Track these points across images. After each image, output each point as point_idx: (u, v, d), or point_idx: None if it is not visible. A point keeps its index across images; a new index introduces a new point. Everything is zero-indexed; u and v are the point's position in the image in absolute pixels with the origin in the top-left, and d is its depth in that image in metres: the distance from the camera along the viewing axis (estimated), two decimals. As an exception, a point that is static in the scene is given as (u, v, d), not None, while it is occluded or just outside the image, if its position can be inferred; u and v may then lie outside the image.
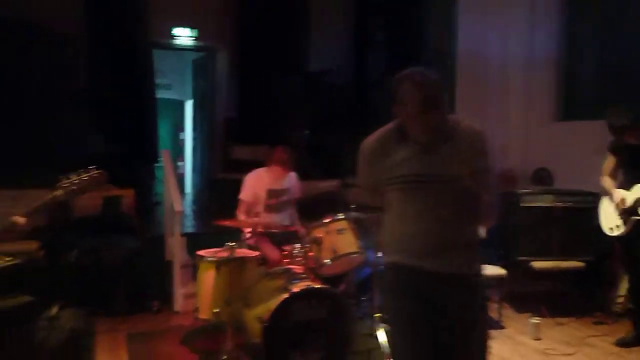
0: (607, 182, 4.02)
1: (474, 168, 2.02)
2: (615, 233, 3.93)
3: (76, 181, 2.15)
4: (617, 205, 3.90)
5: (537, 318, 4.15)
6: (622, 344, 3.91)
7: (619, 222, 3.89)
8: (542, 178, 5.69)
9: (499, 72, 6.29)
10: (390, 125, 2.17)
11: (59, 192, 2.13)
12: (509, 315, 4.50)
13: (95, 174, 2.19)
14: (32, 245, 4.08)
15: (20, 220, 2.08)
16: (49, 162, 4.98)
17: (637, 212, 3.77)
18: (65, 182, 2.14)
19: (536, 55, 6.08)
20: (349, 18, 8.02)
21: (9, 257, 2.89)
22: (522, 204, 4.72)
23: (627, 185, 3.89)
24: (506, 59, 6.22)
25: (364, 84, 7.92)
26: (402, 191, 2.10)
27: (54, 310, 3.17)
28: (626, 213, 3.83)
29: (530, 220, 4.69)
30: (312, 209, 4.44)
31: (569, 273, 4.66)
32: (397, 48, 7.49)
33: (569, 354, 3.80)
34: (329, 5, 7.87)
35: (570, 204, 4.70)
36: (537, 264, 4.62)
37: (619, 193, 3.91)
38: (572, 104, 5.99)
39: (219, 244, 3.60)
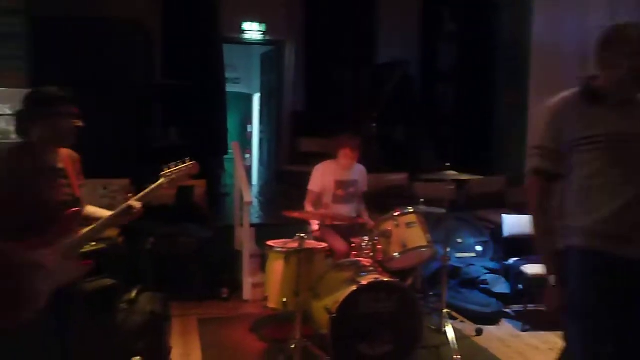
0: None
1: None
2: None
3: (175, 171, 2.32)
4: None
5: None
6: None
7: None
8: None
9: (577, 60, 6.00)
10: (574, 90, 2.03)
11: (163, 181, 2.31)
12: None
13: (190, 164, 2.36)
14: (113, 232, 4.29)
15: (137, 204, 2.24)
16: (127, 154, 5.24)
17: None
18: (167, 172, 2.32)
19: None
20: (419, 8, 7.88)
21: (93, 242, 3.06)
22: None
23: None
24: (585, 45, 5.92)
25: (434, 75, 7.79)
26: (598, 153, 1.93)
27: (134, 293, 3.33)
28: None
29: None
30: (380, 202, 4.43)
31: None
32: (469, 38, 7.31)
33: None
34: (399, -6, 7.78)
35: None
36: None
37: None
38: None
39: (286, 235, 3.65)
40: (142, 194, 2.29)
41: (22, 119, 2.15)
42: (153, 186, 2.30)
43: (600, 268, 1.93)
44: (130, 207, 2.23)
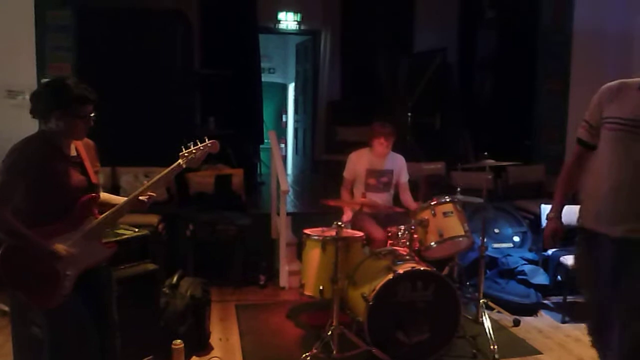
0: None
1: None
2: None
3: (194, 151, 2.35)
4: None
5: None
6: None
7: None
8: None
9: (620, 47, 5.82)
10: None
11: (181, 161, 2.33)
12: None
13: (209, 143, 2.38)
14: (154, 219, 4.41)
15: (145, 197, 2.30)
16: (168, 142, 5.34)
17: None
18: (185, 152, 2.34)
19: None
20: (457, -5, 7.74)
21: (137, 228, 3.16)
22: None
23: None
24: (629, 33, 5.73)
25: (472, 63, 7.65)
26: (615, 133, 2.16)
27: (175, 278, 3.43)
28: None
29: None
30: (416, 191, 4.41)
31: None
32: (508, 24, 7.14)
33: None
34: (436, -19, 7.65)
35: None
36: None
37: None
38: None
39: (321, 223, 3.69)
40: (161, 174, 2.32)
41: (39, 104, 2.16)
42: (171, 167, 2.32)
43: (592, 247, 2.25)
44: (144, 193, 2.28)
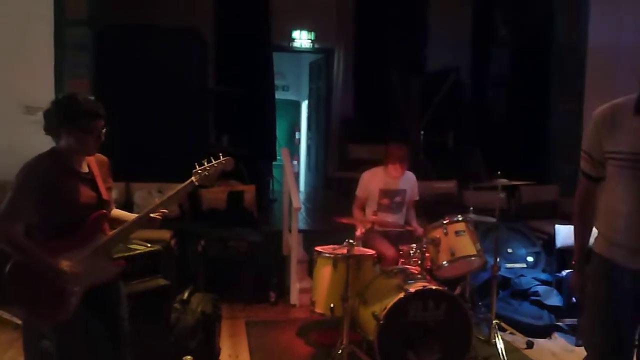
0: None
1: None
2: None
3: (207, 168, 2.33)
4: None
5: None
6: None
7: None
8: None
9: (635, 66, 5.78)
10: (629, 96, 2.05)
11: (194, 178, 2.32)
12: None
13: (224, 160, 2.36)
14: (166, 234, 4.43)
15: (156, 216, 2.28)
16: (182, 158, 5.39)
17: None
18: (198, 170, 2.33)
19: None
20: (470, 13, 7.75)
21: (149, 243, 3.18)
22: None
23: None
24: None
25: (485, 81, 7.66)
26: (621, 169, 2.02)
27: (186, 294, 3.43)
28: None
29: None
30: (428, 210, 4.40)
31: None
32: (521, 43, 7.15)
33: None
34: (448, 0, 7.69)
35: None
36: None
37: None
38: None
39: (333, 240, 3.68)
40: (173, 191, 2.31)
41: (51, 121, 2.18)
42: (183, 185, 2.31)
43: (608, 275, 2.09)
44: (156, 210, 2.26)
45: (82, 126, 2.15)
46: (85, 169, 2.27)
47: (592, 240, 2.25)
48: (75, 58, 5.34)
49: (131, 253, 2.97)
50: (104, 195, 2.28)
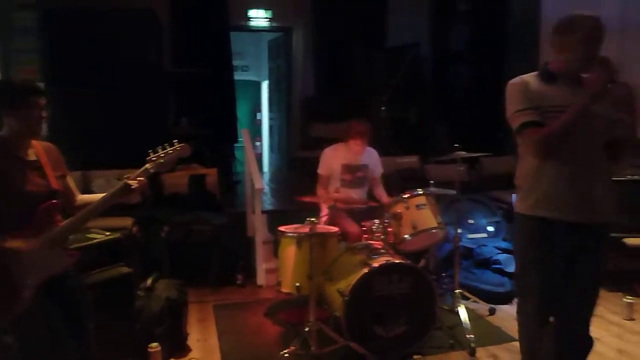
0: None
1: None
2: None
3: (162, 155, 2.27)
4: None
5: (631, 297, 3.94)
6: None
7: None
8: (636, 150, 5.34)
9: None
10: (532, 73, 2.36)
11: (148, 166, 2.25)
12: (600, 294, 4.29)
13: (179, 147, 2.29)
14: (127, 221, 4.36)
15: (133, 182, 2.20)
16: (141, 143, 5.28)
17: None
18: (152, 157, 2.26)
19: (630, 20, 5.64)
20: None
21: (109, 232, 3.12)
22: (614, 178, 4.46)
23: None
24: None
25: (445, 56, 7.71)
26: (548, 120, 2.22)
27: (150, 281, 3.39)
28: None
29: (623, 194, 4.41)
30: (392, 185, 4.44)
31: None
32: (480, 18, 7.21)
33: (667, 335, 3.60)
34: (408, -24, 7.67)
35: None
36: (630, 241, 4.37)
37: None
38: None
39: (298, 220, 3.67)
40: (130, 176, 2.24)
41: None
42: (138, 172, 2.23)
43: (539, 232, 2.32)
44: (128, 185, 2.19)
45: (19, 105, 2.08)
46: (33, 157, 2.19)
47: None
48: (25, 43, 5.14)
49: (89, 242, 2.91)
50: (54, 184, 2.20)
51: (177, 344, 3.41)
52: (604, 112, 2.20)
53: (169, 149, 2.28)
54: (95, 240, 2.96)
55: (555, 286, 2.33)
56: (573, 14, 2.25)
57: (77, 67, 5.13)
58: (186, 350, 3.45)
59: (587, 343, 2.39)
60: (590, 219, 2.26)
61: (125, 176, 2.20)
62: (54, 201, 2.18)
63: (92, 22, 5.34)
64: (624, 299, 3.91)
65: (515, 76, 2.41)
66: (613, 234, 4.30)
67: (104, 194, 2.23)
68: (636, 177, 4.47)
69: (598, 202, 2.26)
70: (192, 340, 3.59)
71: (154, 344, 3.09)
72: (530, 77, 2.35)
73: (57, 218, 2.21)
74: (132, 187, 2.18)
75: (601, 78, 2.12)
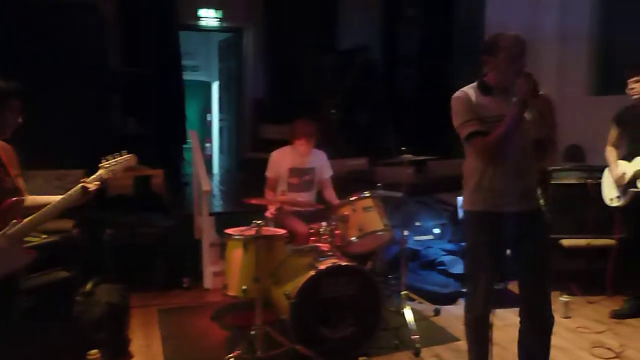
0: (610, 153, 4.11)
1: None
2: (615, 204, 4.06)
3: (114, 163, 2.33)
4: (616, 181, 4.00)
5: (567, 296, 4.10)
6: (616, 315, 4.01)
7: (619, 193, 4.00)
8: (574, 155, 5.57)
9: (529, 45, 6.14)
10: (472, 85, 2.63)
11: (102, 172, 2.31)
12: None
13: (127, 157, 2.37)
14: (67, 224, 4.19)
15: (91, 185, 2.25)
16: (83, 143, 5.11)
17: (636, 184, 3.83)
18: (105, 164, 2.32)
19: (569, 26, 5.88)
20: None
21: (45, 235, 3.00)
22: (552, 181, 4.64)
23: (629, 157, 3.95)
24: (537, 31, 6.04)
25: (395, 60, 7.82)
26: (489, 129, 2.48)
27: (89, 285, 3.28)
28: (625, 185, 3.93)
29: (561, 197, 4.61)
30: (341, 187, 4.46)
31: (601, 251, 4.57)
32: (428, 23, 7.36)
33: (600, 332, 3.76)
34: (358, -19, 7.76)
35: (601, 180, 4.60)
36: (567, 242, 4.55)
37: (620, 167, 3.99)
38: (606, 78, 5.80)
39: (247, 222, 3.62)
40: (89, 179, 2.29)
41: None
42: (92, 178, 2.29)
43: (490, 223, 2.56)
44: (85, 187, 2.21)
45: (5, 105, 2.14)
46: None
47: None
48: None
49: (25, 245, 2.78)
50: (16, 182, 2.19)
51: (119, 349, 3.30)
52: (532, 119, 2.49)
53: (118, 159, 2.34)
54: (31, 244, 2.83)
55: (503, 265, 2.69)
56: (496, 35, 2.56)
57: (16, 63, 4.90)
58: (128, 356, 3.35)
59: (550, 319, 2.68)
60: (531, 206, 2.59)
61: (81, 180, 2.25)
62: (18, 198, 2.18)
63: (29, 15, 5.13)
64: (560, 298, 4.06)
65: (461, 80, 2.65)
66: (552, 236, 4.55)
67: (55, 196, 2.29)
68: (573, 180, 4.65)
69: (532, 193, 2.60)
70: (135, 345, 3.49)
71: (94, 351, 2.98)
72: (470, 90, 2.62)
73: (17, 216, 2.18)
74: (90, 190, 2.21)
75: (525, 86, 2.38)
